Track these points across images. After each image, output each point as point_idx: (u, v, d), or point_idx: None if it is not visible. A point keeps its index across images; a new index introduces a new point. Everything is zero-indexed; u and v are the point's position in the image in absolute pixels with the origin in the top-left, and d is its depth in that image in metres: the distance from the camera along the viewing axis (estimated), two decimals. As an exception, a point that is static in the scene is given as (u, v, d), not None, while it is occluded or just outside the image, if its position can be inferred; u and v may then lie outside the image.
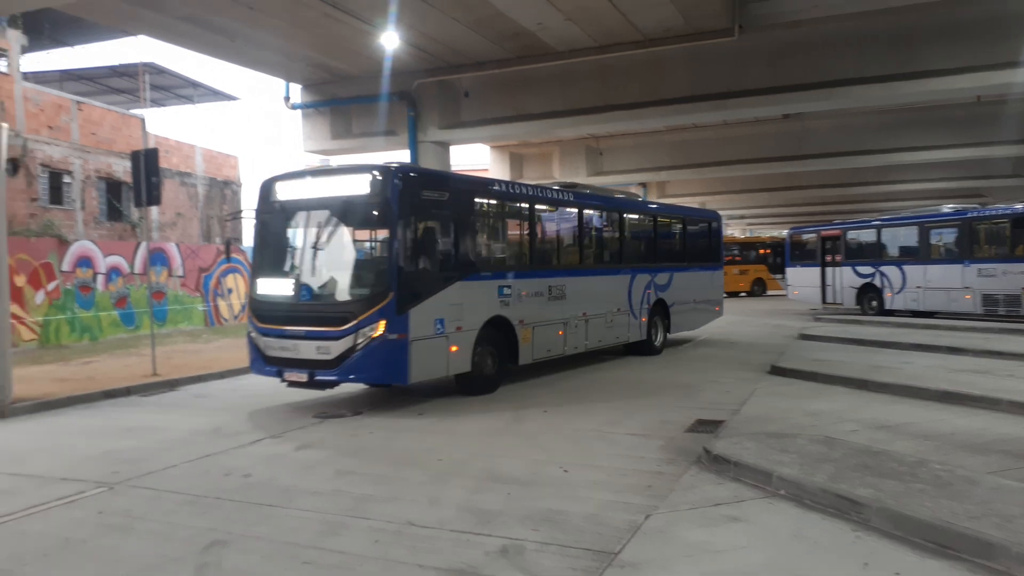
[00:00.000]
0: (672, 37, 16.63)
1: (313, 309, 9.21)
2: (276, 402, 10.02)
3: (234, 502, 5.79)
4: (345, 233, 9.42)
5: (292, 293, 9.33)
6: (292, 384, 9.29)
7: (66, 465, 7.05)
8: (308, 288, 9.33)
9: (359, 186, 9.17)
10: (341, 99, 20.14)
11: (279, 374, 9.29)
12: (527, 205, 11.51)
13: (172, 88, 27.77)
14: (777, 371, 11.58)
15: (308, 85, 20.58)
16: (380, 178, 9.02)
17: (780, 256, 26.63)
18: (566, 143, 29.58)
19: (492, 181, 11.34)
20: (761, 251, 35.20)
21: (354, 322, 8.77)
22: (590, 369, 12.83)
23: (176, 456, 7.27)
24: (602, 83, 18.21)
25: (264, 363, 9.49)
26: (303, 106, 20.77)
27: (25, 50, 22.08)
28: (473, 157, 37.91)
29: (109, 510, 5.71)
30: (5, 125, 10.27)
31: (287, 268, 9.66)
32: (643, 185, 35.45)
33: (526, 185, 12.23)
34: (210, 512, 5.60)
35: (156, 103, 28.76)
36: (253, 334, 9.62)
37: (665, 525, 5.09)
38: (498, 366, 10.48)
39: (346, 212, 9.18)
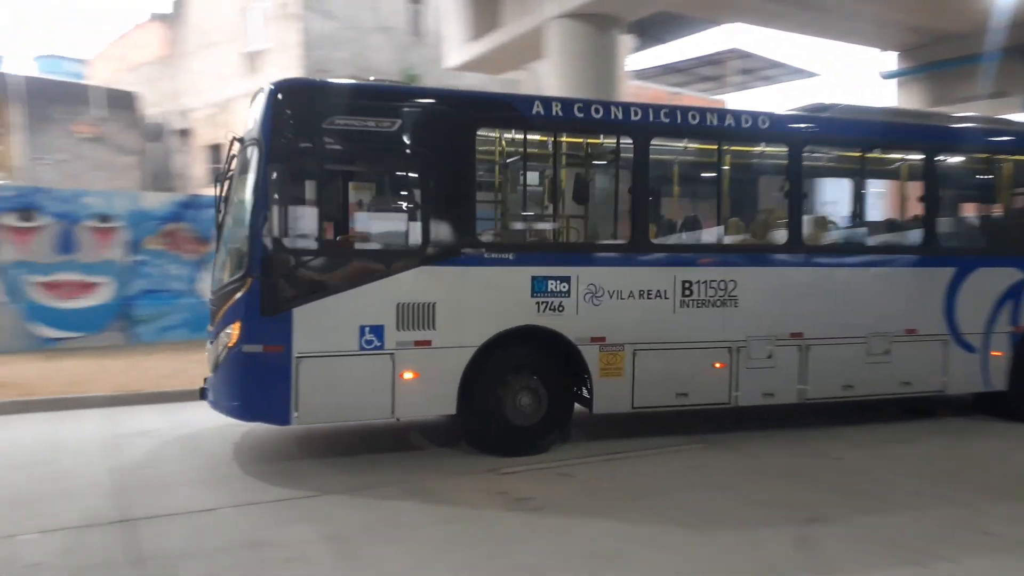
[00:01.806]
0: None
1: (211, 300, 6.63)
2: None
3: (829, 485, 5.85)
4: (240, 189, 6.23)
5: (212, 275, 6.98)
6: None
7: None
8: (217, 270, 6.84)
9: (251, 115, 6.17)
10: (938, 62, 18.41)
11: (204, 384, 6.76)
12: (612, 139, 6.82)
13: (755, 71, 28.83)
14: None
15: (902, 52, 19.33)
16: (260, 100, 5.93)
17: None
18: None
19: (518, 98, 6.72)
20: None
21: (217, 322, 6.09)
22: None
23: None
24: None
25: None
26: (896, 74, 19.66)
27: (633, 51, 25.50)
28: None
29: (693, 464, 6.36)
30: None
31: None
32: None
33: (609, 104, 6.75)
34: (809, 488, 5.77)
35: (739, 87, 30.28)
36: None
37: None
38: (548, 412, 6.44)
39: (242, 156, 6.19)
